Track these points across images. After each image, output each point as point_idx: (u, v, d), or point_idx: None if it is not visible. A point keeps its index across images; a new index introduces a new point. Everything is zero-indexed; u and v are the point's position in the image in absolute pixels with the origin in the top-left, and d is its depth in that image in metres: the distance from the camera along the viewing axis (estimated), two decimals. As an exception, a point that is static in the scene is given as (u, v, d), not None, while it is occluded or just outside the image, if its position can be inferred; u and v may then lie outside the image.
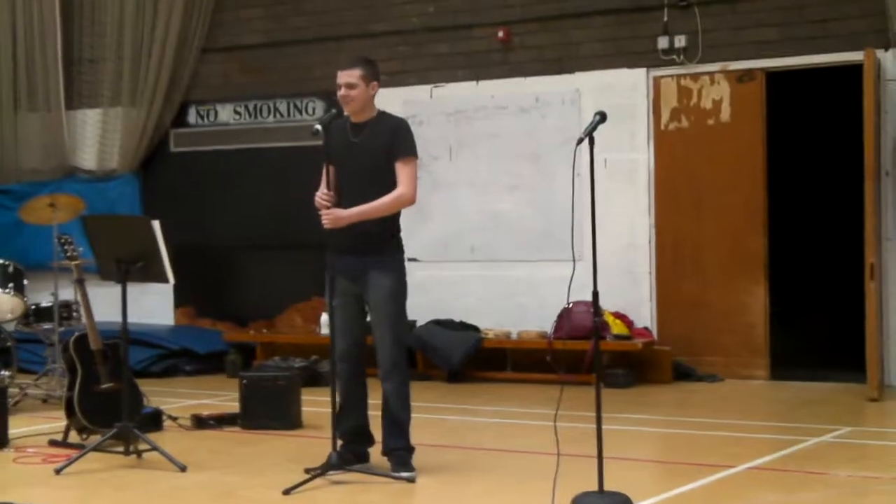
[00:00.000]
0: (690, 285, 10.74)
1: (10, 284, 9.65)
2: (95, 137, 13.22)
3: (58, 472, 6.83)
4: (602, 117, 6.00)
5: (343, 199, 6.58)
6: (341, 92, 6.63)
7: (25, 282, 9.80)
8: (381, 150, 6.61)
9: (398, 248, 6.74)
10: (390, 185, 6.60)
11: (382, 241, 6.64)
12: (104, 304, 8.73)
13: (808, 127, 12.26)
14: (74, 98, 13.30)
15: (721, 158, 10.66)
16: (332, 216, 6.50)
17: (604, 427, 5.89)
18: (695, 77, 10.73)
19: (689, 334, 10.64)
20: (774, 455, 7.19)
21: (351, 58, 6.83)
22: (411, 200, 6.66)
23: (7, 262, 9.78)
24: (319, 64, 12.02)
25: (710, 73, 10.68)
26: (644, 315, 10.79)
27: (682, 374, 10.52)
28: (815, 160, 12.44)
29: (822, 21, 10.26)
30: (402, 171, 6.61)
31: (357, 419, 6.78)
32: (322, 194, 6.54)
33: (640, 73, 10.90)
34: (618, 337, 10.37)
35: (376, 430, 6.81)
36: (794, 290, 11.64)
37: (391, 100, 10.03)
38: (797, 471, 6.77)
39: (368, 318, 6.80)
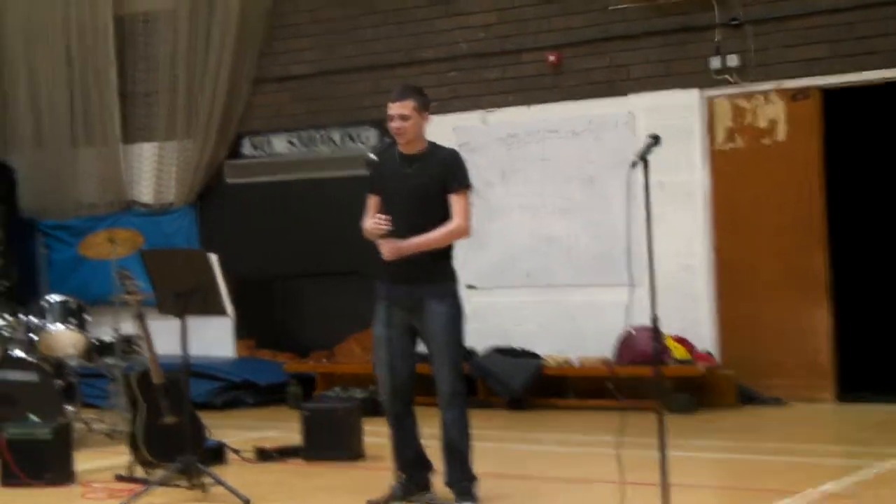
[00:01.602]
0: (751, 307, 10.63)
1: (73, 320, 9.72)
2: (152, 171, 13.34)
3: (124, 507, 6.88)
4: (656, 140, 5.98)
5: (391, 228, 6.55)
6: (394, 124, 6.60)
7: (87, 317, 9.86)
8: (434, 182, 6.60)
9: (452, 276, 6.71)
10: (440, 216, 6.59)
11: (437, 270, 6.62)
12: (165, 337, 8.75)
13: (866, 143, 12.10)
14: (130, 132, 13.43)
15: (778, 177, 10.57)
16: (392, 247, 6.49)
17: (668, 454, 5.83)
18: (748, 96, 10.66)
19: (752, 357, 10.52)
20: (845, 480, 7.07)
21: (401, 89, 6.76)
22: (467, 232, 6.66)
23: (68, 298, 9.85)
24: (371, 92, 12.08)
25: (765, 92, 10.60)
26: (704, 338, 10.68)
27: (746, 398, 10.38)
28: (876, 177, 12.27)
29: (873, 37, 10.17)
30: (456, 202, 6.60)
31: (412, 449, 6.77)
32: (381, 219, 6.53)
33: (694, 93, 10.84)
34: (679, 362, 10.27)
35: (434, 457, 6.78)
36: (858, 310, 11.47)
37: (442, 127, 10.05)
38: (867, 496, 6.66)
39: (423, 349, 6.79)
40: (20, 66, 13.83)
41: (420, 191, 6.58)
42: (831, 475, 7.19)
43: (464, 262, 6.89)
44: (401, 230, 6.52)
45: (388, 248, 6.50)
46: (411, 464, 6.74)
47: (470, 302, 7.04)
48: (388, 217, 6.51)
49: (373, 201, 6.74)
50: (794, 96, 10.52)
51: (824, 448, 8.41)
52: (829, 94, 10.50)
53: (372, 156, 6.56)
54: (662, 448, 5.80)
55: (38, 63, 13.72)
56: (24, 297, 11.29)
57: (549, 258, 11.37)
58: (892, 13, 10.13)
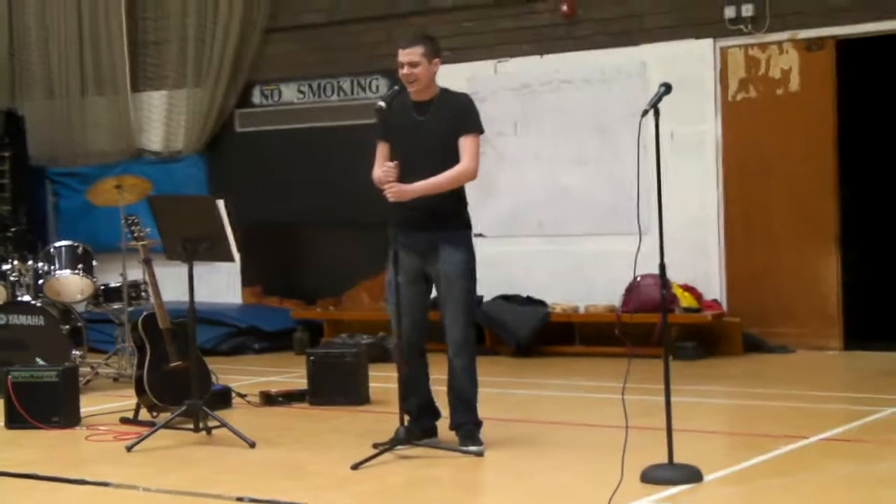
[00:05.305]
0: (760, 257, 10.60)
1: (80, 266, 9.72)
2: (161, 119, 13.31)
3: (129, 449, 6.89)
4: (667, 88, 5.94)
5: (405, 176, 6.52)
6: (404, 71, 6.59)
7: (95, 263, 9.86)
8: (448, 128, 6.59)
9: (466, 224, 6.71)
10: (455, 161, 6.57)
11: (452, 217, 6.63)
12: (172, 283, 8.80)
13: (880, 95, 12.00)
14: (140, 80, 13.40)
15: (790, 129, 10.49)
16: (396, 190, 6.47)
17: (673, 399, 5.82)
18: (763, 47, 10.56)
19: (760, 306, 10.50)
20: (849, 425, 7.07)
21: (411, 36, 6.78)
22: (473, 175, 6.63)
23: (76, 244, 9.85)
24: (383, 41, 11.97)
25: (779, 43, 10.51)
26: (713, 287, 10.66)
27: (753, 345, 10.38)
28: (888, 129, 12.19)
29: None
30: (465, 146, 6.58)
31: (421, 395, 6.78)
32: (387, 168, 6.50)
33: (707, 43, 10.75)
34: (687, 310, 10.25)
35: (442, 403, 6.80)
36: (867, 260, 11.43)
37: (455, 76, 9.98)
38: (873, 441, 6.65)
39: (433, 295, 6.77)
40: (30, 14, 13.79)
41: (434, 136, 6.57)
42: (837, 421, 7.17)
43: (474, 211, 6.85)
44: (417, 176, 6.51)
45: (393, 192, 6.47)
46: (419, 409, 6.74)
47: (480, 251, 7.01)
48: (396, 164, 6.49)
49: (382, 149, 6.70)
50: (808, 46, 10.42)
51: (830, 395, 8.39)
52: (843, 44, 10.40)
53: (381, 103, 6.51)
54: (667, 393, 5.78)
55: (49, 11, 13.67)
56: (32, 244, 11.29)
57: (561, 208, 11.32)
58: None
